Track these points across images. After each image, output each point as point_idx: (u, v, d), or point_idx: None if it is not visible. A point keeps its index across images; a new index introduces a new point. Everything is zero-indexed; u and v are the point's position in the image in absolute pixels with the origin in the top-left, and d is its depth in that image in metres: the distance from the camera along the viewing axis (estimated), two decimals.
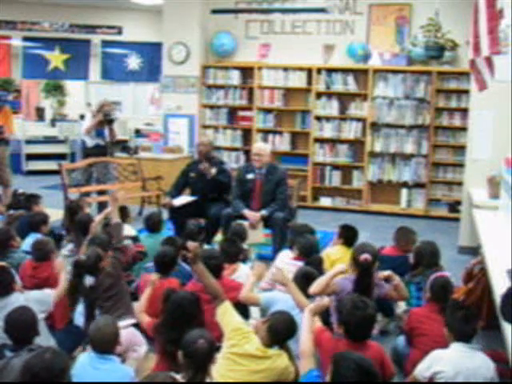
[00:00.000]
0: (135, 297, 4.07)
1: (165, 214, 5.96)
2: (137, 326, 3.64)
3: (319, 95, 8.18)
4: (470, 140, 6.18)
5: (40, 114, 12.40)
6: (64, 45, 10.66)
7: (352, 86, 8.07)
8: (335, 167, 8.30)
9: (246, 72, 8.55)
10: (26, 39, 10.67)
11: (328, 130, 8.22)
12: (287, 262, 4.13)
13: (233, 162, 8.50)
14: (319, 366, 2.87)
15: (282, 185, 5.70)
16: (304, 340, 2.85)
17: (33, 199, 5.65)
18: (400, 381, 3.29)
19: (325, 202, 8.34)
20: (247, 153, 8.41)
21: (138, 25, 11.27)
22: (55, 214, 6.67)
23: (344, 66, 8.13)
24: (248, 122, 8.56)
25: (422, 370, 2.96)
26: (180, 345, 2.65)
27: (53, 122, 11.78)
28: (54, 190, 8.59)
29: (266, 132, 8.52)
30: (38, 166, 10.74)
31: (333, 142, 8.23)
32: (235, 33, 8.67)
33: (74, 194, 6.80)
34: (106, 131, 7.25)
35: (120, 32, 11.25)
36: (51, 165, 9.27)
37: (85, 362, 2.86)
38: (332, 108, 8.15)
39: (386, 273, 3.66)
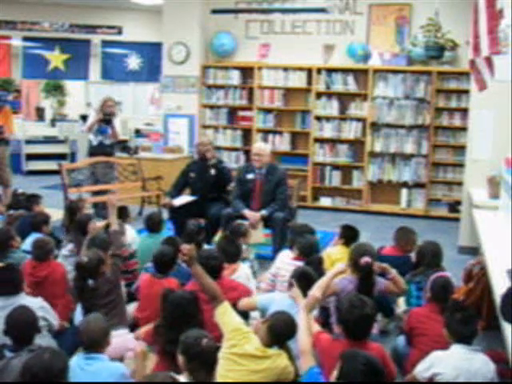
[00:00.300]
0: (135, 297, 4.07)
1: (165, 214, 5.96)
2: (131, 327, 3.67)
3: (319, 95, 8.18)
4: (470, 140, 6.18)
5: (40, 114, 12.41)
6: (64, 45, 10.64)
7: (352, 86, 8.07)
8: (335, 167, 8.30)
9: (246, 72, 8.55)
10: (25, 39, 10.65)
11: (328, 130, 8.22)
12: (287, 262, 4.13)
13: (233, 162, 8.51)
14: (318, 363, 2.87)
15: (281, 185, 5.70)
16: (302, 338, 2.85)
17: (33, 199, 5.67)
18: (400, 381, 3.29)
19: (325, 201, 8.34)
20: (247, 153, 8.41)
21: (138, 25, 11.27)
22: (55, 214, 6.68)
23: (344, 65, 8.13)
24: (248, 122, 8.56)
25: (422, 370, 2.96)
26: (180, 348, 2.64)
27: (53, 122, 11.80)
28: (54, 189, 8.60)
29: (266, 132, 8.52)
30: (38, 165, 10.75)
31: (333, 141, 8.23)
32: (235, 33, 8.67)
33: (73, 194, 6.80)
34: (109, 130, 7.31)
35: (120, 32, 11.25)
36: (51, 165, 9.27)
37: (74, 362, 2.85)
38: (332, 108, 8.15)
39: (382, 265, 3.68)
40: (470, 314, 2.99)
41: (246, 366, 2.85)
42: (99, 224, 4.70)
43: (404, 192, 8.03)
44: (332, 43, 8.28)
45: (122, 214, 5.28)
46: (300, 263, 4.01)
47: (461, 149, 7.43)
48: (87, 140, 7.63)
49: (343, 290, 3.57)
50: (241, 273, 4.11)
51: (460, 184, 7.11)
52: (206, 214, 5.79)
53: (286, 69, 8.32)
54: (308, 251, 4.15)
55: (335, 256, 4.35)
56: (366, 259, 3.58)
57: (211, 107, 8.75)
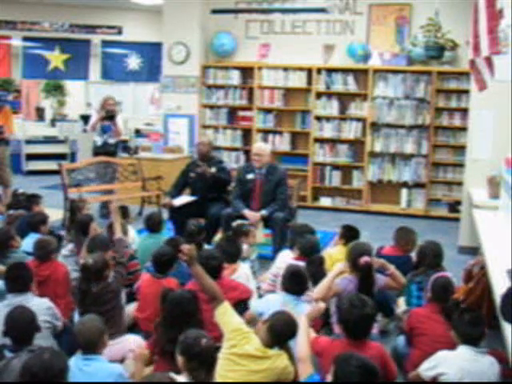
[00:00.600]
0: (134, 297, 4.07)
1: (165, 214, 5.96)
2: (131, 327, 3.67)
3: (319, 95, 8.18)
4: (470, 140, 6.18)
5: (40, 114, 12.41)
6: (64, 45, 10.63)
7: (352, 86, 8.07)
8: (335, 167, 8.30)
9: (246, 72, 8.55)
10: (25, 39, 10.65)
11: (328, 130, 8.22)
12: (289, 262, 4.13)
13: (233, 162, 8.51)
14: (317, 370, 2.87)
15: (281, 185, 5.70)
16: (301, 344, 2.83)
17: (33, 199, 5.67)
18: (400, 381, 3.29)
19: (325, 202, 8.34)
20: (247, 153, 8.41)
21: (138, 25, 11.27)
22: (55, 214, 6.69)
23: (344, 65, 8.13)
24: (248, 122, 8.56)
25: (427, 368, 2.96)
26: (178, 347, 2.64)
27: (53, 122, 11.79)
28: (54, 189, 8.59)
29: (266, 132, 8.51)
30: (38, 165, 10.75)
31: (333, 141, 8.23)
32: (235, 33, 8.67)
33: (73, 194, 6.80)
34: (112, 127, 7.40)
35: (120, 32, 11.25)
36: (51, 165, 9.27)
37: (72, 363, 2.85)
38: (332, 108, 8.15)
39: (380, 261, 3.70)
40: (478, 316, 3.00)
41: (246, 366, 2.85)
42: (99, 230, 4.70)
43: (404, 192, 8.03)
44: (332, 43, 8.28)
45: (122, 213, 5.29)
46: (301, 263, 4.02)
47: (461, 149, 7.43)
48: (91, 141, 7.73)
49: (345, 290, 3.57)
50: (241, 273, 4.11)
51: (460, 184, 7.12)
52: (206, 213, 5.79)
53: (286, 69, 8.32)
54: (309, 251, 4.16)
55: (336, 256, 4.35)
56: (365, 259, 3.59)
57: (211, 107, 8.75)
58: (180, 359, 2.60)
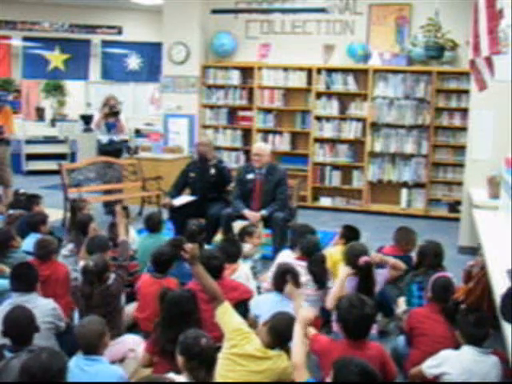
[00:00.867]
0: (134, 298, 4.07)
1: (165, 214, 5.96)
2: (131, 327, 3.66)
3: (319, 95, 8.18)
4: (470, 140, 6.18)
5: (40, 113, 12.41)
6: (64, 45, 10.64)
7: (352, 86, 8.07)
8: (335, 167, 8.30)
9: (246, 72, 8.55)
10: (25, 39, 10.65)
11: (328, 130, 8.22)
12: (290, 262, 4.12)
13: (233, 162, 8.51)
14: (313, 374, 2.86)
15: (281, 185, 5.70)
16: (296, 351, 2.79)
17: (33, 199, 5.66)
18: (400, 381, 3.29)
19: (325, 202, 8.34)
20: (247, 153, 8.41)
21: (138, 25, 11.27)
22: (55, 214, 6.69)
23: (344, 65, 8.13)
24: (248, 122, 8.56)
25: (431, 366, 2.96)
26: (178, 347, 2.64)
27: (53, 122, 11.79)
28: (54, 189, 8.59)
29: (266, 132, 8.52)
30: (38, 165, 10.74)
31: (333, 141, 8.23)
32: (235, 33, 8.67)
33: (73, 194, 6.81)
34: (117, 126, 7.54)
35: (120, 32, 11.25)
36: (51, 165, 9.27)
37: (73, 363, 2.85)
38: (332, 108, 8.15)
39: (379, 256, 3.72)
40: (482, 317, 2.99)
41: (247, 366, 2.85)
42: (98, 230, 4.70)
43: (404, 192, 8.04)
44: (332, 43, 8.28)
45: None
46: (303, 263, 4.02)
47: (461, 149, 7.43)
48: (94, 140, 7.80)
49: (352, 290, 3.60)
50: (240, 273, 4.11)
51: (460, 184, 7.11)
52: (206, 214, 5.79)
53: (286, 69, 8.32)
54: (310, 251, 4.16)
55: (336, 256, 4.35)
56: (364, 259, 3.61)
57: (211, 107, 8.75)
58: (180, 359, 2.60)
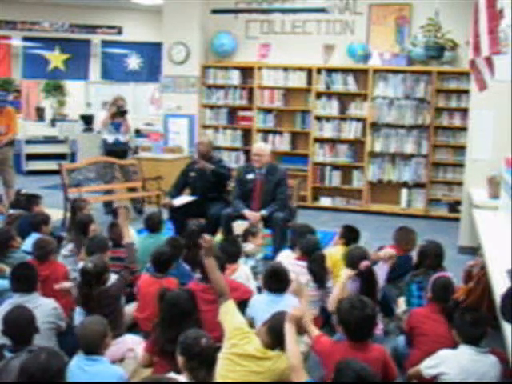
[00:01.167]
0: (134, 298, 4.07)
1: (165, 214, 5.96)
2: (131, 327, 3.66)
3: (319, 95, 8.18)
4: (470, 140, 6.18)
5: (40, 113, 12.40)
6: (64, 45, 10.66)
7: (352, 86, 8.07)
8: (335, 167, 8.30)
9: (246, 72, 8.55)
10: (25, 39, 10.67)
11: (328, 130, 8.22)
12: (291, 262, 4.13)
13: (233, 162, 8.50)
14: (311, 373, 2.86)
15: (282, 185, 5.70)
16: (292, 352, 2.77)
17: (33, 199, 5.65)
18: (400, 381, 3.29)
19: (325, 202, 8.34)
20: (247, 153, 8.41)
21: (138, 25, 11.27)
22: (55, 214, 6.68)
23: (344, 65, 8.13)
24: (248, 122, 8.56)
25: (429, 366, 2.96)
26: (178, 348, 2.64)
27: (53, 122, 11.79)
28: (54, 189, 8.59)
29: (266, 132, 8.52)
30: (38, 165, 10.74)
31: (333, 141, 8.23)
32: (235, 33, 8.67)
33: (73, 194, 6.81)
34: (123, 126, 7.58)
35: (120, 32, 11.25)
36: (51, 165, 9.27)
37: (74, 363, 2.85)
38: (332, 108, 8.15)
39: (376, 255, 3.75)
40: (479, 316, 2.99)
41: (247, 366, 2.84)
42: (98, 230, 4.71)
43: (404, 192, 8.04)
44: (332, 43, 8.28)
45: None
46: (303, 263, 4.03)
47: (461, 149, 7.43)
48: (95, 139, 7.83)
49: (354, 292, 3.60)
50: (241, 273, 4.11)
51: (460, 184, 7.11)
52: (206, 213, 5.79)
53: (286, 69, 8.32)
54: (311, 250, 4.16)
55: (335, 256, 4.35)
56: (365, 263, 3.63)
57: (211, 107, 8.75)
58: (180, 359, 2.60)
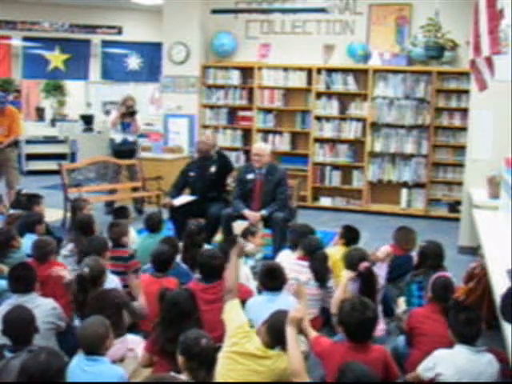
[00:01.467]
0: (133, 298, 4.07)
1: (165, 214, 5.96)
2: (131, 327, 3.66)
3: (319, 95, 8.18)
4: (470, 140, 6.18)
5: (40, 113, 12.40)
6: (64, 45, 10.66)
7: (352, 86, 8.07)
8: (335, 167, 8.30)
9: (246, 72, 8.55)
10: (25, 39, 10.67)
11: (328, 130, 8.21)
12: (292, 262, 4.12)
13: (233, 162, 8.48)
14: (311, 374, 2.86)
15: (281, 185, 5.70)
16: (294, 357, 2.75)
17: (34, 199, 5.62)
18: (400, 381, 3.29)
19: (325, 202, 8.34)
20: (247, 153, 8.41)
21: (138, 25, 11.27)
22: (55, 214, 6.69)
23: (344, 65, 8.13)
24: (248, 122, 8.56)
25: (426, 369, 2.95)
26: (179, 348, 2.64)
27: (53, 122, 11.79)
28: (54, 189, 8.59)
29: (266, 132, 8.52)
30: (38, 165, 10.74)
31: (333, 141, 8.23)
32: (235, 33, 8.67)
33: (73, 194, 6.81)
34: (132, 126, 7.63)
35: (120, 32, 11.25)
36: (51, 165, 9.27)
37: (75, 363, 2.84)
38: (332, 108, 8.15)
39: (375, 256, 3.77)
40: (474, 315, 2.98)
41: (247, 365, 2.84)
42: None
43: (404, 192, 8.03)
44: (332, 43, 8.28)
45: (122, 214, 5.30)
46: (304, 263, 4.02)
47: (461, 149, 7.43)
48: (109, 140, 7.87)
49: (356, 292, 3.61)
50: (241, 273, 4.10)
51: (460, 184, 7.11)
52: (206, 213, 5.79)
53: (286, 69, 8.32)
54: (313, 250, 4.16)
55: (335, 256, 4.35)
56: (365, 264, 3.64)
57: (211, 107, 8.75)
58: (180, 359, 2.61)
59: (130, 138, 7.74)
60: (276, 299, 3.46)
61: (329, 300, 3.88)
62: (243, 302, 3.65)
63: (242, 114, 8.60)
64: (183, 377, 2.58)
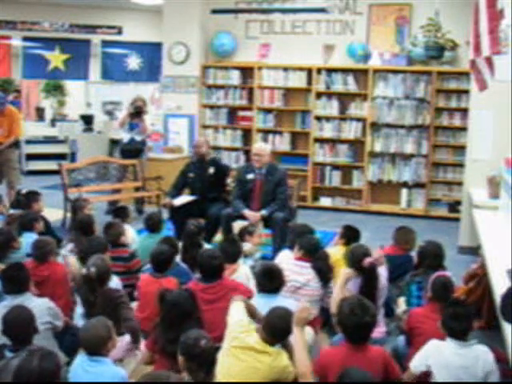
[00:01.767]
0: (133, 298, 4.07)
1: (165, 214, 5.96)
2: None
3: (319, 95, 8.18)
4: (470, 140, 6.18)
5: (40, 113, 12.40)
6: (64, 45, 10.66)
7: (352, 86, 8.07)
8: (335, 167, 8.30)
9: (246, 72, 8.55)
10: (25, 39, 10.66)
11: (328, 130, 8.22)
12: (292, 262, 4.12)
13: (233, 162, 8.51)
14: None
15: (281, 185, 5.70)
16: (300, 360, 2.73)
17: (32, 196, 5.58)
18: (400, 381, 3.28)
19: (325, 202, 8.34)
20: (247, 153, 8.41)
21: (138, 25, 11.26)
22: (55, 214, 6.69)
23: (344, 65, 8.13)
24: (248, 122, 8.56)
25: (417, 365, 2.95)
26: (179, 347, 2.65)
27: (53, 122, 11.79)
28: (54, 189, 8.59)
29: (266, 132, 8.52)
30: (38, 165, 10.74)
31: (333, 141, 8.23)
32: (235, 33, 8.67)
33: (73, 194, 6.81)
34: (140, 126, 7.68)
35: (120, 32, 11.25)
36: (51, 165, 9.27)
37: (77, 364, 2.84)
38: (332, 108, 8.15)
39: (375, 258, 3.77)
40: (462, 310, 2.95)
41: (246, 362, 2.83)
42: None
43: (404, 192, 8.04)
44: (332, 43, 8.28)
45: (122, 213, 5.30)
46: (304, 263, 4.01)
47: (461, 149, 7.43)
48: (109, 139, 7.92)
49: (356, 292, 3.60)
50: (241, 273, 4.11)
51: (460, 184, 7.12)
52: (206, 213, 5.79)
53: (286, 69, 8.32)
54: (314, 249, 4.15)
55: (335, 256, 4.35)
56: (369, 260, 3.62)
57: (211, 107, 8.75)
58: (180, 359, 2.61)
59: (138, 138, 7.75)
60: (273, 302, 3.42)
61: (328, 300, 3.88)
62: None
63: (241, 113, 8.60)
64: (184, 376, 2.58)
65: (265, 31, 8.63)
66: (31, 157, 10.85)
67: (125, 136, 7.75)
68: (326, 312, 3.84)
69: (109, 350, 2.88)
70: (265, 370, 2.83)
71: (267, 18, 8.58)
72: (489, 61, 3.87)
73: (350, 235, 4.56)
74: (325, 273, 3.97)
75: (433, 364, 2.85)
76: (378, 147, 8.03)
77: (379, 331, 3.66)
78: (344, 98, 8.17)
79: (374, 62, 7.96)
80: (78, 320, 3.76)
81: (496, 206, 5.00)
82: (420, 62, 7.86)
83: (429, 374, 2.90)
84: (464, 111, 7.35)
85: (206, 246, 4.80)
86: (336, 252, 4.46)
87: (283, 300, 3.46)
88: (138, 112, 7.66)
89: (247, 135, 8.62)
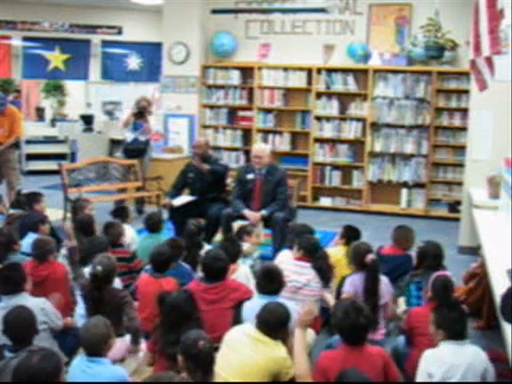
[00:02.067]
0: (133, 297, 4.07)
1: (165, 214, 5.96)
2: None
3: (319, 95, 8.18)
4: (470, 140, 6.18)
5: (40, 113, 12.40)
6: (64, 45, 10.65)
7: (352, 86, 8.07)
8: (335, 167, 8.30)
9: (246, 72, 8.55)
10: (25, 39, 10.66)
11: (328, 130, 8.21)
12: (292, 262, 4.12)
13: (233, 162, 8.50)
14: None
15: (281, 185, 5.70)
16: (299, 362, 2.72)
17: (33, 198, 5.56)
18: (400, 381, 3.28)
19: (325, 202, 8.34)
20: (247, 153, 8.40)
21: (137, 25, 11.26)
22: (55, 214, 6.69)
23: (344, 65, 8.13)
24: (248, 122, 8.56)
25: (422, 375, 2.92)
26: (179, 348, 2.65)
27: (53, 122, 11.79)
28: (54, 189, 8.59)
29: (266, 132, 8.51)
30: (38, 165, 10.74)
31: (333, 141, 8.23)
32: (235, 33, 8.67)
33: (73, 194, 6.80)
34: (144, 125, 7.69)
35: (120, 32, 11.25)
36: (51, 165, 9.27)
37: (76, 364, 2.85)
38: (332, 108, 8.15)
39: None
40: (460, 311, 2.94)
41: (243, 354, 2.83)
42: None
43: (404, 192, 8.03)
44: (332, 43, 8.28)
45: (122, 213, 5.30)
46: (303, 263, 4.02)
47: (461, 149, 7.43)
48: (109, 139, 7.89)
49: (356, 291, 3.60)
50: (241, 272, 4.11)
51: (460, 184, 7.11)
52: (206, 213, 5.79)
53: (286, 69, 8.32)
54: (313, 250, 4.15)
55: (336, 256, 4.35)
56: (371, 257, 3.63)
57: (211, 107, 8.75)
58: (180, 358, 2.62)
59: (142, 138, 7.75)
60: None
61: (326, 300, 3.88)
62: (243, 302, 3.66)
63: (242, 113, 8.60)
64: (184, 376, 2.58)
65: (265, 31, 8.63)
66: (31, 157, 10.85)
67: (129, 136, 7.76)
68: (326, 312, 3.84)
69: (108, 349, 2.88)
70: (262, 363, 2.80)
71: (267, 18, 8.58)
72: (489, 61, 3.87)
73: (351, 235, 4.57)
74: (325, 272, 3.97)
75: (436, 371, 2.82)
76: (377, 147, 8.03)
77: (380, 333, 3.66)
78: (344, 98, 8.16)
79: (374, 62, 7.96)
80: (78, 320, 3.77)
81: (496, 206, 5.01)
82: (420, 61, 7.86)
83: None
84: (464, 111, 7.35)
85: (206, 246, 4.80)
86: (336, 252, 4.47)
87: (283, 302, 3.46)
88: (141, 112, 7.66)
89: (247, 135, 8.62)
